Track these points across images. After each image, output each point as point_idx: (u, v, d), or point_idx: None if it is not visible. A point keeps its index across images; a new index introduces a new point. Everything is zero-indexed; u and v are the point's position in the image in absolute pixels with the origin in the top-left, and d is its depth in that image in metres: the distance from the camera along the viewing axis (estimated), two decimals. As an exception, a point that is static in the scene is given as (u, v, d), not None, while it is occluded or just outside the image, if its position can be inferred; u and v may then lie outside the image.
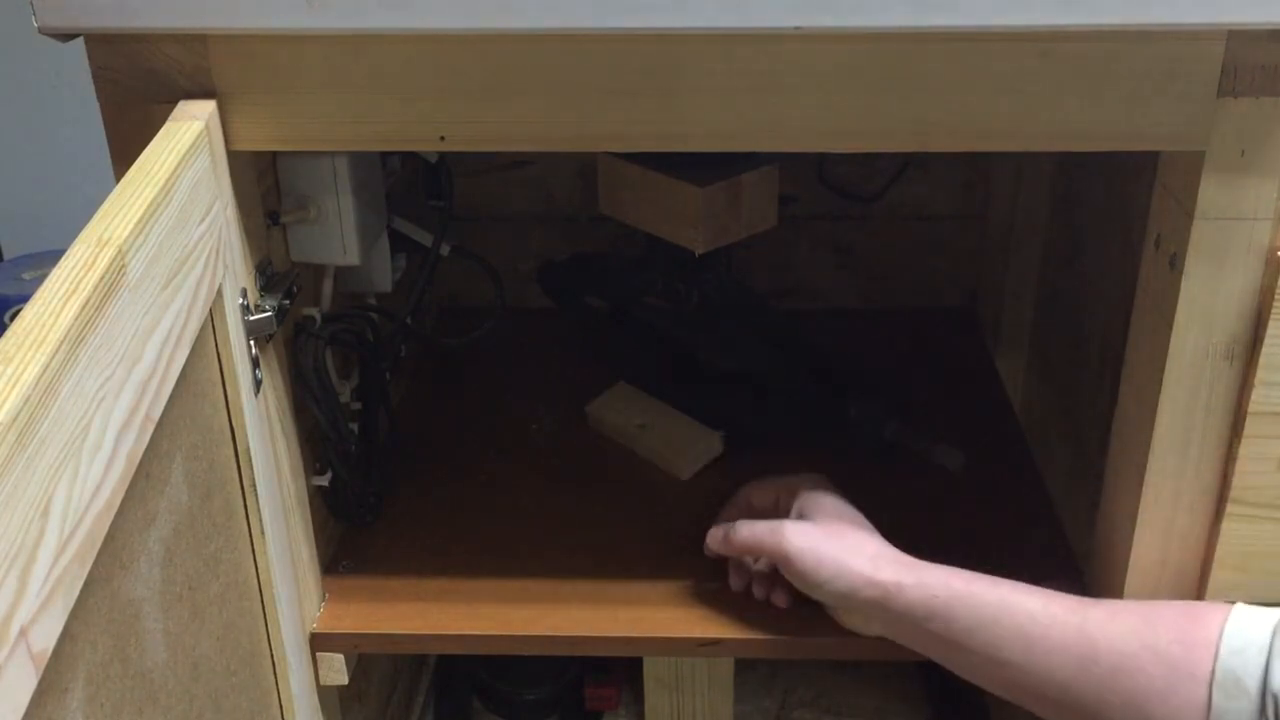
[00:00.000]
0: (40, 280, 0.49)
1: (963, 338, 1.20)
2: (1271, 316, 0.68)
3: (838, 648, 0.82)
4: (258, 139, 0.68)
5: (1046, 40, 0.64)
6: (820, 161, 1.15)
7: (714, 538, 0.83)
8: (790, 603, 0.81)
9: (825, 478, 0.84)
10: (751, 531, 0.79)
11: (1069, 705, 0.69)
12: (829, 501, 0.80)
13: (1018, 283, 1.22)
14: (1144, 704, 0.65)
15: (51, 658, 0.44)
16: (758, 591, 0.83)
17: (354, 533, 0.91)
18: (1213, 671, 0.62)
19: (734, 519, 0.83)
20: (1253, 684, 0.61)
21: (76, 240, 0.52)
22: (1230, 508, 0.73)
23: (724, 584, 0.85)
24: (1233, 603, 0.66)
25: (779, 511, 0.83)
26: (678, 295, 1.02)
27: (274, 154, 0.76)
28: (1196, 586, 0.76)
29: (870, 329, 1.20)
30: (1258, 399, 0.70)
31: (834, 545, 0.76)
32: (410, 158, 0.92)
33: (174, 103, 0.65)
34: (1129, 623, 0.67)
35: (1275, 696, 0.60)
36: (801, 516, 0.79)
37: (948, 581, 0.72)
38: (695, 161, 0.90)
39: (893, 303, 1.25)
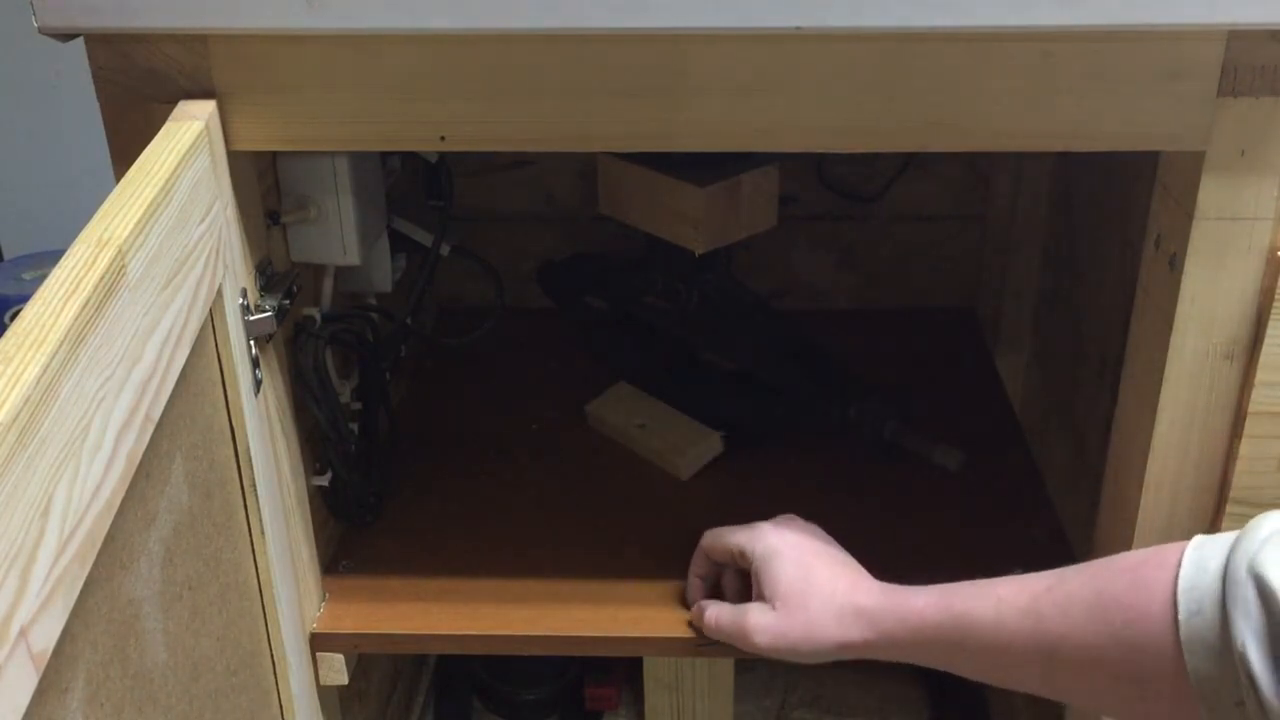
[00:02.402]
0: (40, 280, 0.49)
1: (963, 338, 1.20)
2: (1271, 316, 0.68)
3: (838, 648, 0.82)
4: (258, 139, 0.68)
5: (1046, 40, 0.64)
6: (820, 161, 1.15)
7: (692, 598, 0.84)
8: None
9: (785, 517, 0.83)
10: (718, 623, 0.79)
11: (1057, 696, 0.69)
12: (787, 558, 0.78)
13: (1018, 283, 1.22)
14: (1120, 689, 0.62)
15: (51, 658, 0.44)
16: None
17: (354, 533, 0.91)
18: (1178, 642, 0.58)
19: (700, 573, 0.84)
20: (1218, 644, 0.56)
21: (76, 240, 0.51)
22: (1230, 508, 0.73)
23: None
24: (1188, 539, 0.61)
25: (739, 567, 0.82)
26: (678, 295, 1.02)
27: (274, 154, 0.76)
28: (1196, 586, 0.76)
29: (870, 329, 1.20)
30: (1258, 399, 0.70)
31: (799, 624, 0.75)
32: (410, 158, 0.92)
33: (174, 103, 0.65)
34: (1081, 611, 0.63)
35: (1241, 658, 0.55)
36: (761, 586, 0.78)
37: (907, 623, 0.72)
38: (695, 161, 0.90)
39: (893, 303, 1.25)
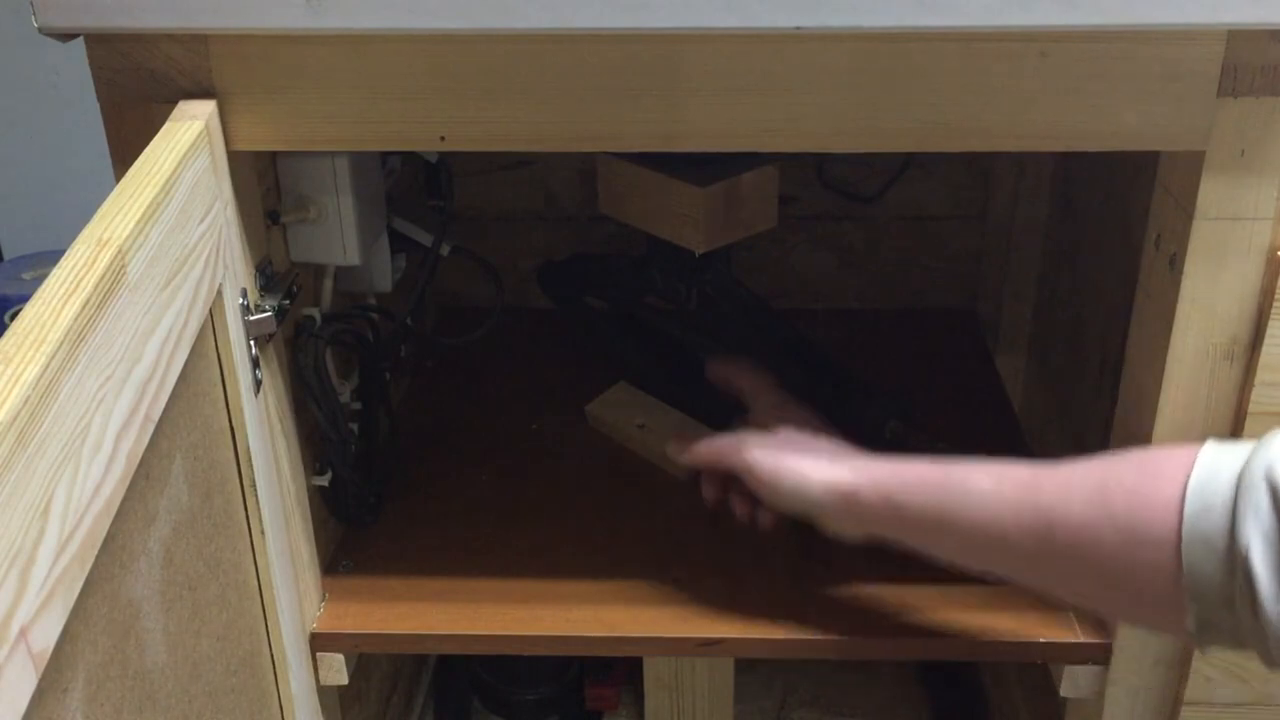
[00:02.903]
0: (40, 280, 0.49)
1: (963, 338, 1.20)
2: (1271, 316, 0.68)
3: (838, 648, 0.82)
4: (258, 139, 0.68)
5: (1046, 40, 0.64)
6: (820, 161, 1.15)
7: (677, 449, 0.85)
8: (775, 523, 0.82)
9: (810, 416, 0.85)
10: (714, 446, 0.80)
11: (1041, 582, 0.67)
12: (801, 419, 0.82)
13: (1018, 283, 1.22)
14: (1108, 574, 0.60)
15: (51, 658, 0.44)
16: (739, 509, 0.84)
17: (354, 533, 0.91)
18: (1179, 534, 0.56)
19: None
20: (1221, 543, 0.55)
21: (76, 240, 0.52)
22: (1230, 508, 0.73)
23: (724, 584, 0.85)
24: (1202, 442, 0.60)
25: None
26: (678, 295, 1.02)
27: (274, 154, 0.76)
28: (1196, 586, 0.76)
29: (870, 329, 1.20)
30: (1258, 399, 0.70)
31: (793, 456, 0.76)
32: (410, 158, 0.92)
33: (174, 103, 0.65)
34: (1083, 492, 0.62)
35: (1243, 558, 0.54)
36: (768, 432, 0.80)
37: (901, 476, 0.71)
38: (695, 161, 0.89)
39: (893, 303, 1.25)
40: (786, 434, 0.80)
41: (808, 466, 0.75)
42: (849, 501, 0.73)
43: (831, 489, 0.73)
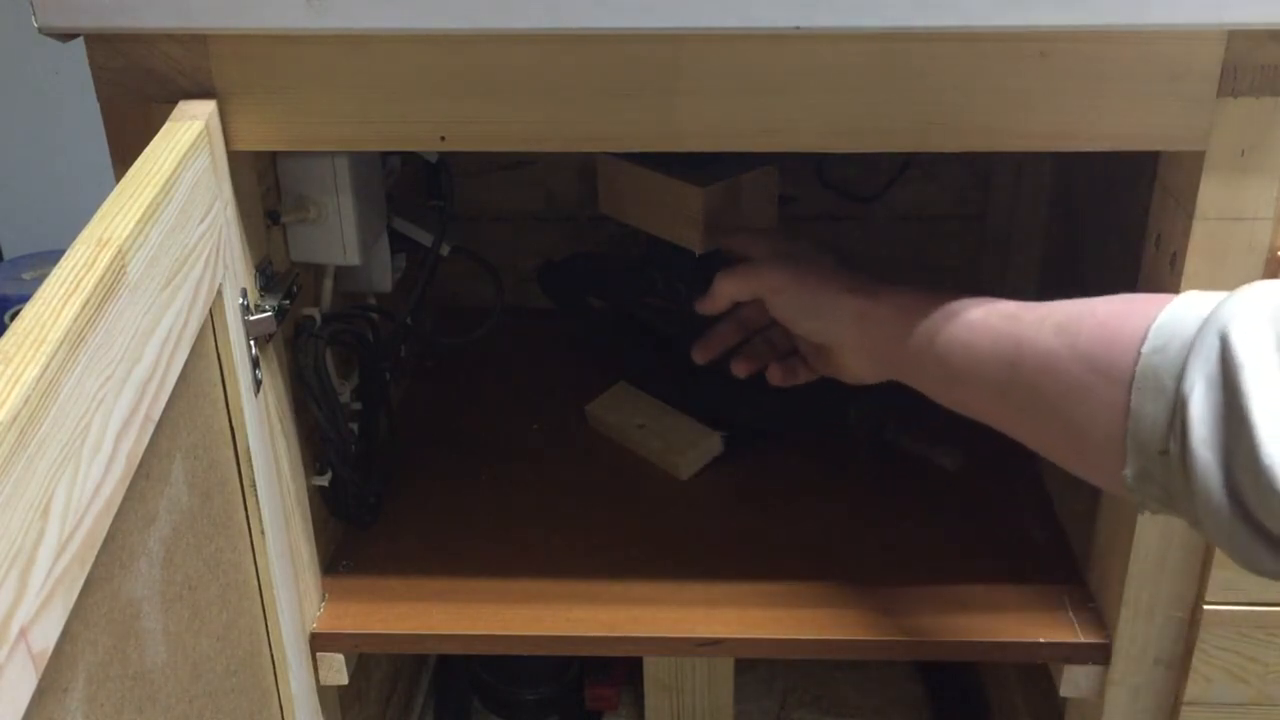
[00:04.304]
0: (40, 280, 0.49)
1: (963, 338, 1.20)
2: (1271, 316, 0.68)
3: (838, 648, 0.82)
4: (258, 139, 0.68)
5: (1046, 40, 0.64)
6: (820, 161, 1.15)
7: (700, 303, 0.84)
8: (810, 377, 0.84)
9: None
10: (730, 277, 0.80)
11: (1007, 420, 0.66)
12: (815, 255, 0.82)
13: (1018, 283, 1.21)
14: (1064, 406, 0.59)
15: (51, 658, 0.44)
16: (774, 376, 0.84)
17: (354, 533, 0.91)
18: (1133, 371, 0.55)
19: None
20: (1170, 385, 0.53)
21: (76, 240, 0.52)
22: (1230, 508, 0.73)
23: (724, 584, 0.85)
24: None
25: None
26: (678, 295, 1.02)
27: (274, 154, 0.76)
28: (1197, 585, 0.76)
29: (870, 329, 1.20)
30: (1258, 399, 0.69)
31: (812, 270, 0.77)
32: (410, 158, 0.92)
33: (174, 103, 0.65)
34: (1056, 321, 0.61)
35: (1183, 400, 0.52)
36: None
37: (911, 300, 0.71)
38: (695, 161, 0.89)
39: (893, 303, 1.24)
40: (805, 260, 0.80)
41: (828, 278, 0.76)
42: (863, 318, 0.73)
43: (850, 293, 0.74)
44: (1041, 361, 0.60)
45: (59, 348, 0.45)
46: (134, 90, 0.66)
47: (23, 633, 0.41)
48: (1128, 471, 0.56)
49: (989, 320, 0.65)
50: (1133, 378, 0.55)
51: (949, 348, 0.67)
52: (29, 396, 0.42)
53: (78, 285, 0.48)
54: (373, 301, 0.92)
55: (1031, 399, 0.62)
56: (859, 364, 0.77)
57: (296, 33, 0.64)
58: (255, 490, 0.70)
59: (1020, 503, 0.95)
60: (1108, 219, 0.93)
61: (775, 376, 0.84)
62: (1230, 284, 0.68)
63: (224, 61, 0.65)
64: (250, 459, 0.69)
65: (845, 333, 0.76)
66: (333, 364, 0.82)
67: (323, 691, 0.84)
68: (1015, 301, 0.66)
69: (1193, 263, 0.68)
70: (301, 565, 0.80)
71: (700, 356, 0.88)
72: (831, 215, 1.21)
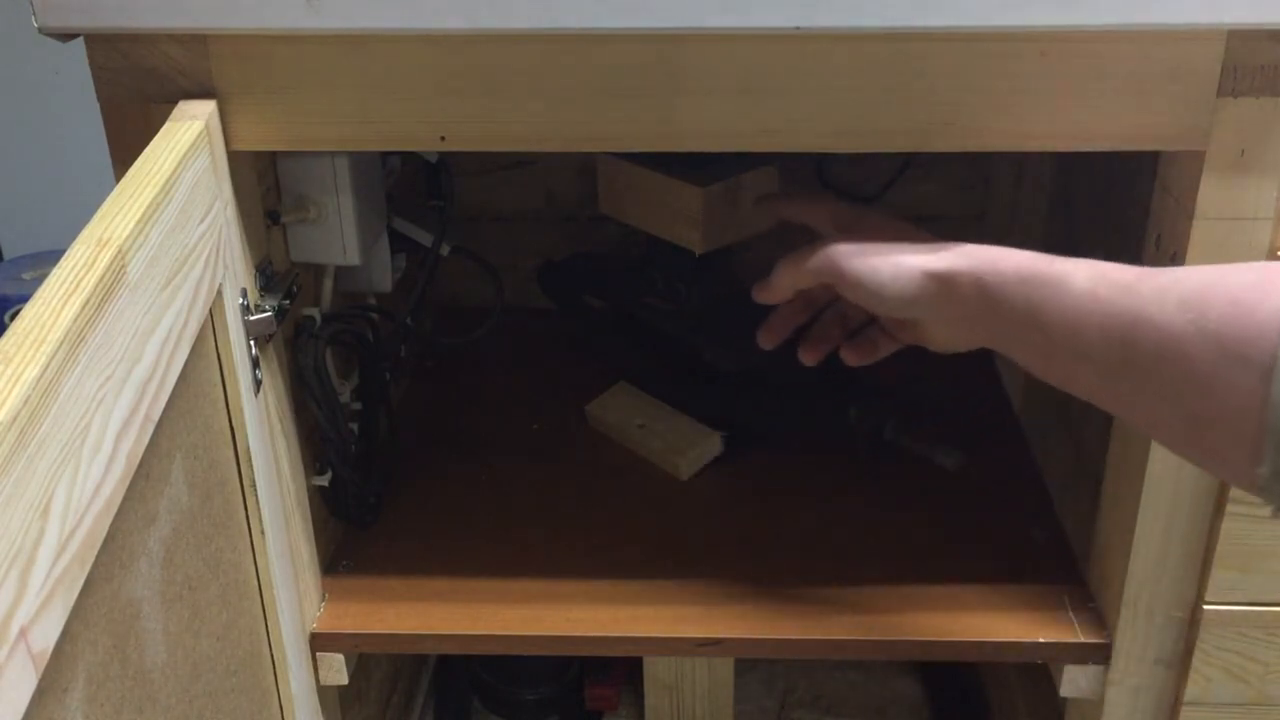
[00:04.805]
0: (40, 280, 0.49)
1: (963, 338, 1.20)
2: (1271, 316, 0.67)
3: (838, 648, 0.82)
4: (258, 139, 0.68)
5: (1046, 40, 0.64)
6: (820, 161, 1.15)
7: (759, 291, 0.76)
8: (894, 348, 0.76)
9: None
10: (795, 261, 0.72)
11: (1119, 401, 0.59)
12: (882, 221, 0.74)
13: (1018, 283, 1.21)
14: (1187, 393, 0.53)
15: (51, 658, 0.44)
16: (849, 358, 0.77)
17: (354, 533, 0.91)
18: (1275, 357, 0.48)
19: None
20: None
21: (76, 240, 0.52)
22: (1230, 507, 0.73)
23: (724, 584, 0.85)
24: None
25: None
26: (678, 295, 1.02)
27: (274, 154, 0.76)
28: (1197, 585, 0.76)
29: (870, 329, 1.20)
30: (1258, 399, 0.69)
31: (885, 247, 0.68)
32: (410, 158, 0.92)
33: (174, 103, 0.65)
34: (1181, 294, 0.53)
35: None
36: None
37: (998, 265, 0.63)
38: (695, 161, 0.90)
39: (893, 303, 1.24)
40: (873, 229, 0.71)
41: (903, 256, 0.67)
42: (945, 287, 0.65)
43: (929, 275, 0.65)
44: (1162, 341, 0.54)
45: (59, 348, 0.45)
46: (134, 90, 0.66)
47: (23, 633, 0.41)
48: (1263, 469, 0.50)
49: (1098, 290, 0.58)
50: (1274, 364, 0.49)
51: (1052, 320, 0.60)
52: (29, 396, 0.42)
53: (78, 285, 0.48)
54: (373, 301, 0.92)
55: (1149, 382, 0.55)
56: (950, 335, 0.69)
57: (296, 33, 0.64)
58: (255, 490, 0.70)
59: (1020, 503, 0.95)
60: (1108, 219, 0.93)
61: (850, 358, 0.76)
62: (1230, 284, 0.68)
63: (224, 61, 0.65)
64: (250, 459, 0.69)
65: (931, 307, 0.67)
66: (333, 364, 0.82)
67: (323, 691, 0.84)
68: (1130, 267, 0.58)
69: (1193, 263, 0.68)
70: (301, 565, 0.80)
71: (767, 341, 0.80)
72: (831, 215, 1.20)
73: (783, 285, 0.74)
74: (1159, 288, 0.55)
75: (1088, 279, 0.58)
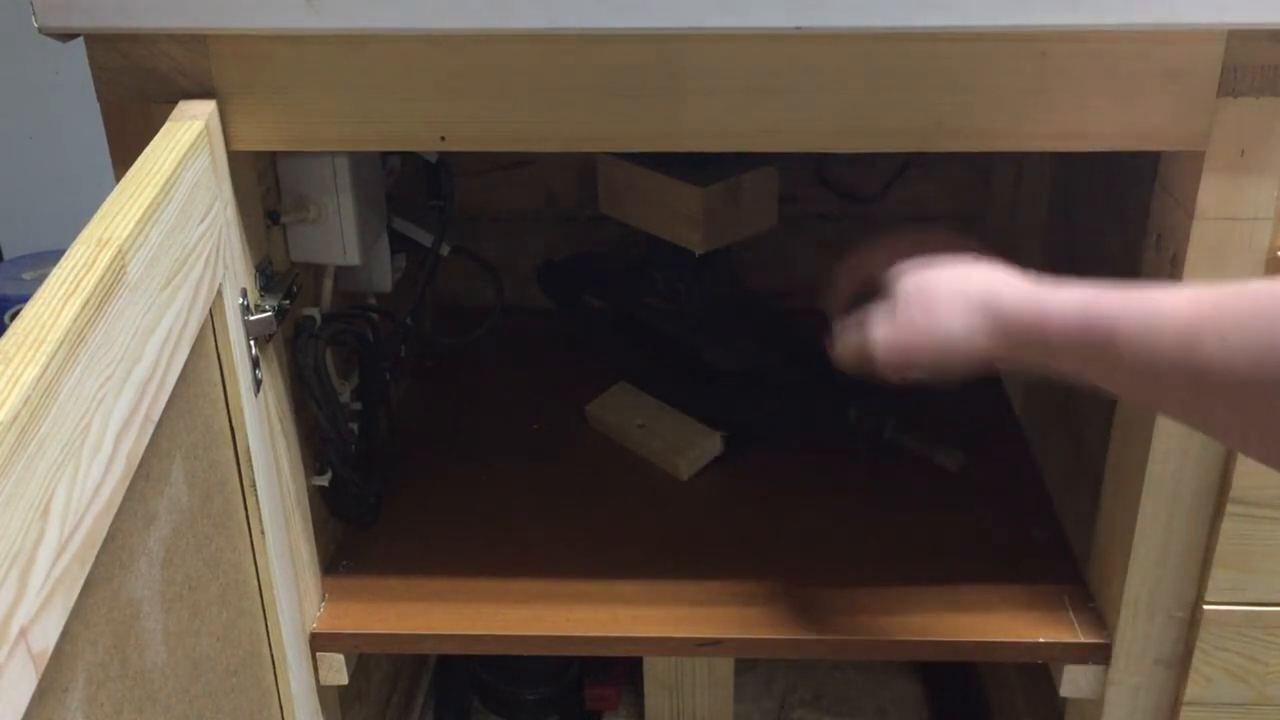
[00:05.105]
0: (40, 280, 0.49)
1: (963, 338, 1.20)
2: (1271, 316, 0.67)
3: (838, 648, 0.82)
4: (258, 139, 0.68)
5: (1046, 40, 0.64)
6: (820, 161, 1.15)
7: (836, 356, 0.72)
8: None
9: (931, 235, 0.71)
10: (845, 348, 0.70)
11: (1208, 427, 0.57)
12: (918, 267, 0.69)
13: (1018, 283, 1.21)
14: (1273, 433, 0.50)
15: (51, 658, 0.44)
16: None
17: (354, 533, 0.91)
18: None
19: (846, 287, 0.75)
20: None
21: (76, 240, 0.52)
22: (1230, 507, 0.73)
23: (724, 584, 0.85)
24: None
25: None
26: (678, 295, 1.02)
27: (274, 154, 0.76)
28: (1197, 586, 0.76)
29: (870, 329, 1.20)
30: (1258, 399, 0.69)
31: (918, 324, 0.65)
32: (410, 158, 0.92)
33: (174, 103, 0.65)
34: (1241, 338, 0.51)
35: None
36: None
37: (1044, 329, 0.61)
38: (695, 161, 0.90)
39: (893, 303, 1.24)
40: (912, 285, 0.67)
41: (940, 331, 0.64)
42: (996, 363, 0.63)
43: (976, 354, 0.63)
44: (1233, 387, 0.51)
45: (59, 348, 0.45)
46: (134, 90, 0.66)
47: (23, 633, 0.41)
48: None
49: (1156, 344, 0.55)
50: None
51: (1105, 370, 0.58)
52: (29, 396, 0.42)
53: (78, 285, 0.48)
54: (373, 301, 0.92)
55: (1228, 417, 0.53)
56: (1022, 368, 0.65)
57: (296, 33, 0.64)
58: (255, 490, 0.70)
59: (1020, 503, 0.95)
60: (1108, 219, 0.93)
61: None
62: (1230, 284, 0.68)
63: (224, 61, 0.65)
64: (250, 459, 0.69)
65: (959, 366, 0.65)
66: (333, 364, 0.82)
67: (323, 691, 0.84)
68: (1177, 296, 0.54)
69: (1193, 263, 0.68)
70: (301, 565, 0.80)
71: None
72: (832, 215, 1.21)
73: (843, 362, 0.72)
74: (1220, 329, 0.52)
75: (1140, 330, 0.55)
